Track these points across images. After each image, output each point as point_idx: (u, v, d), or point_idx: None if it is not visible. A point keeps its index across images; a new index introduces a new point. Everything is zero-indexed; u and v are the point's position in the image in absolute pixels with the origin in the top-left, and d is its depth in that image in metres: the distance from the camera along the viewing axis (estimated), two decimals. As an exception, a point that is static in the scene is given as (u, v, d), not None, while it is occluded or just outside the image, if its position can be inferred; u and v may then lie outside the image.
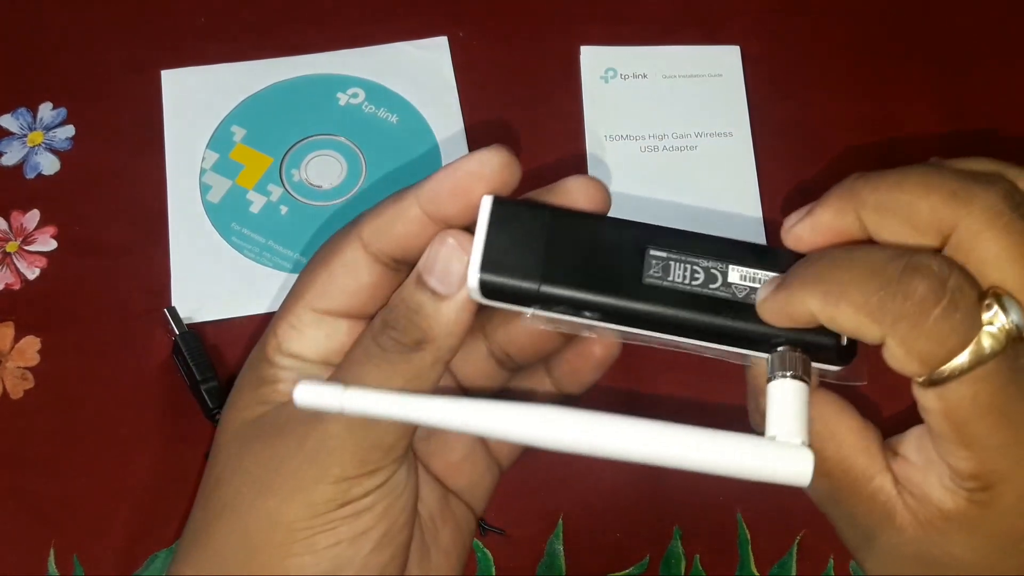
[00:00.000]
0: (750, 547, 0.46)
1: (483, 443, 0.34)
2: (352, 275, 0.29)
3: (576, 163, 0.54)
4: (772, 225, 0.53)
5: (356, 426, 0.27)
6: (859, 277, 0.25)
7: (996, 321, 0.25)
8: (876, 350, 0.26)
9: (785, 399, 0.27)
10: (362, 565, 0.28)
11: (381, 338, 0.28)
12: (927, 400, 0.26)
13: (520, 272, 0.28)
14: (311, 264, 0.30)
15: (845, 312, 0.25)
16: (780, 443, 0.27)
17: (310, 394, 0.27)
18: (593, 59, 0.57)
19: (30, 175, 0.54)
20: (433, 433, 0.32)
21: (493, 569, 0.45)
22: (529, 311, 0.28)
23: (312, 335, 0.29)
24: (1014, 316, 0.25)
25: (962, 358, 0.25)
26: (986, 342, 0.24)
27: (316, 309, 0.29)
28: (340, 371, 0.28)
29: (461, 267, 0.27)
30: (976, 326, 0.24)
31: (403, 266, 0.29)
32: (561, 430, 0.28)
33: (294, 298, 0.30)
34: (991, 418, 0.25)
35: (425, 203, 0.28)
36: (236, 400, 0.30)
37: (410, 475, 0.29)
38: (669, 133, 0.55)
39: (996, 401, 0.25)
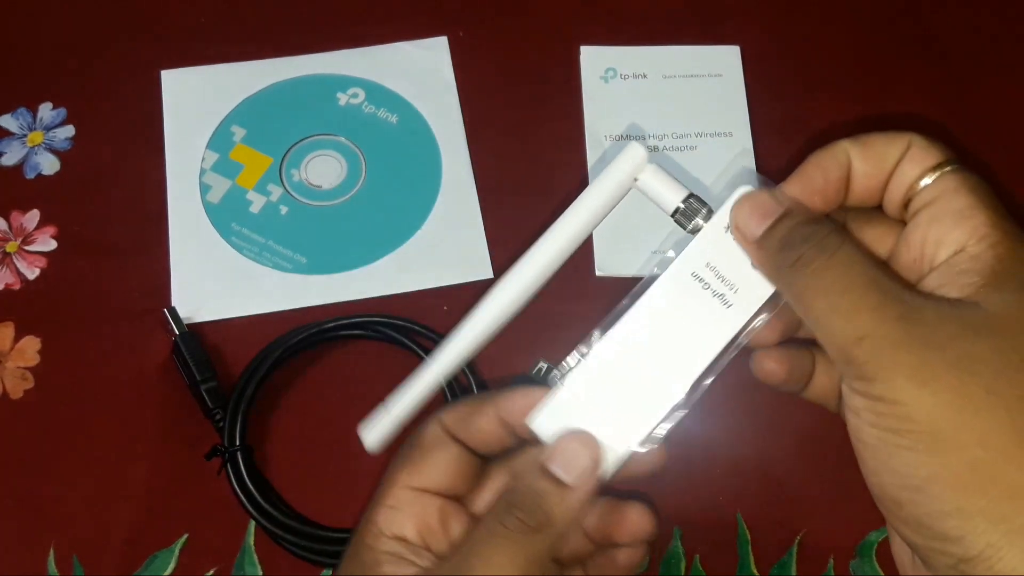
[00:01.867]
0: (750, 547, 0.46)
1: None
2: (443, 453, 0.33)
3: (576, 163, 0.54)
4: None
5: None
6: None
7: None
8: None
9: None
10: None
11: (507, 519, 0.30)
12: None
13: None
14: (401, 452, 0.34)
15: None
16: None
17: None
18: (593, 59, 0.57)
19: (30, 175, 0.54)
20: None
21: (493, 569, 0.46)
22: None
23: (410, 515, 0.33)
24: None
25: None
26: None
27: (412, 487, 0.33)
28: (462, 552, 0.31)
29: (587, 462, 0.32)
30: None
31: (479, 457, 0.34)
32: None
33: (389, 483, 0.33)
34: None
35: (502, 412, 0.34)
36: None
37: None
38: (669, 133, 0.55)
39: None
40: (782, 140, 0.55)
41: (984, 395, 0.27)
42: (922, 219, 0.32)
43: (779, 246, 0.31)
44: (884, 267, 0.31)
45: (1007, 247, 0.30)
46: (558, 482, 0.31)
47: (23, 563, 0.45)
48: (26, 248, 0.52)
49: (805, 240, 0.31)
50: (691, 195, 0.34)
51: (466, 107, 0.56)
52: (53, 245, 0.52)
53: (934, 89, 0.57)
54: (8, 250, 0.52)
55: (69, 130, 0.55)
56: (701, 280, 0.34)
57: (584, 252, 0.52)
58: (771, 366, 0.34)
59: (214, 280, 0.51)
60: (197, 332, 0.49)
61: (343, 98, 0.56)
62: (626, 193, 0.35)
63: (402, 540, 0.33)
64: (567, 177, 0.54)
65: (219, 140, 0.55)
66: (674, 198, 0.34)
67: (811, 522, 0.46)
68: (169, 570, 0.45)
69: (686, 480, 0.47)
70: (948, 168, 0.32)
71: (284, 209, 0.53)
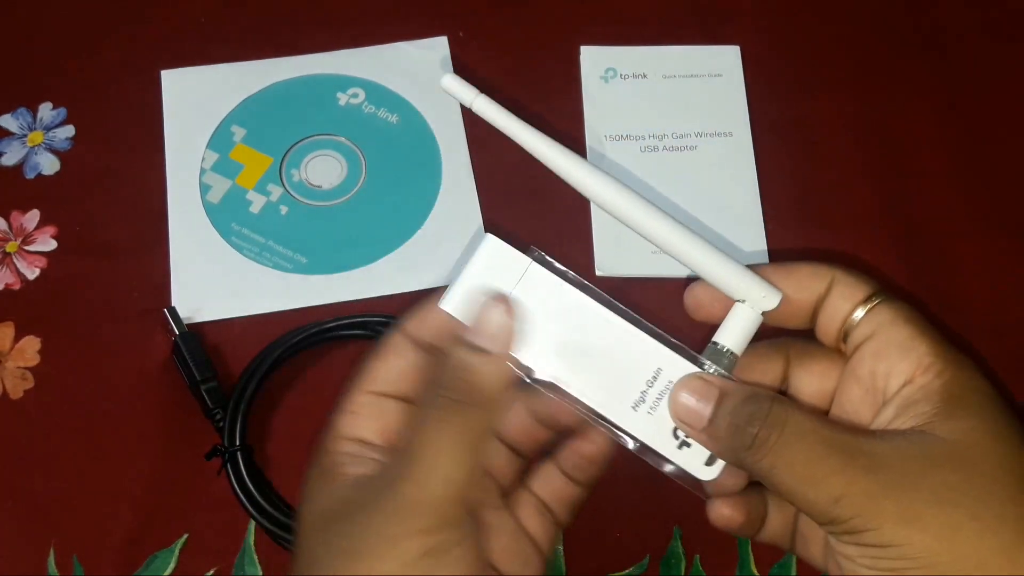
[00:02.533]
0: (750, 547, 0.46)
1: (528, 534, 0.36)
2: (400, 357, 0.34)
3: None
4: (771, 225, 0.53)
5: (426, 484, 0.30)
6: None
7: None
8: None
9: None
10: None
11: (436, 400, 0.31)
12: None
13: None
14: (362, 362, 0.34)
15: None
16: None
17: (453, 82, 0.35)
18: (593, 59, 0.57)
19: (30, 175, 0.54)
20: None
21: (493, 569, 0.46)
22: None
23: (369, 417, 0.33)
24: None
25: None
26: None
27: (371, 391, 0.34)
28: (406, 442, 0.31)
29: (500, 321, 0.32)
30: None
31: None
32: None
33: (351, 387, 0.34)
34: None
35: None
36: (307, 495, 0.33)
37: (474, 530, 0.32)
38: (669, 133, 0.55)
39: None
40: (782, 140, 0.55)
41: (968, 521, 0.29)
42: (866, 353, 0.33)
43: (729, 432, 0.32)
44: (832, 423, 0.32)
45: (952, 374, 0.32)
46: (476, 349, 0.31)
47: (23, 563, 0.45)
48: (26, 248, 0.52)
49: (751, 420, 0.31)
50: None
51: (466, 107, 0.56)
52: (53, 245, 0.52)
53: (934, 89, 0.57)
54: (8, 250, 0.52)
55: (69, 130, 0.55)
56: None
57: (584, 252, 0.52)
58: (728, 512, 0.35)
59: (214, 280, 0.51)
60: (197, 332, 0.49)
61: (343, 98, 0.56)
62: None
63: (362, 442, 0.33)
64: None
65: (219, 140, 0.55)
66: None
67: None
68: (169, 570, 0.45)
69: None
70: (878, 300, 0.33)
71: (284, 209, 0.53)
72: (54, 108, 0.56)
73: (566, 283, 0.33)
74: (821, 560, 0.35)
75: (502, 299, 0.32)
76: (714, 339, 0.34)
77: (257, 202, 0.53)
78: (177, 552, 0.45)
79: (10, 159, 0.55)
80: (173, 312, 0.49)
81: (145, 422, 0.48)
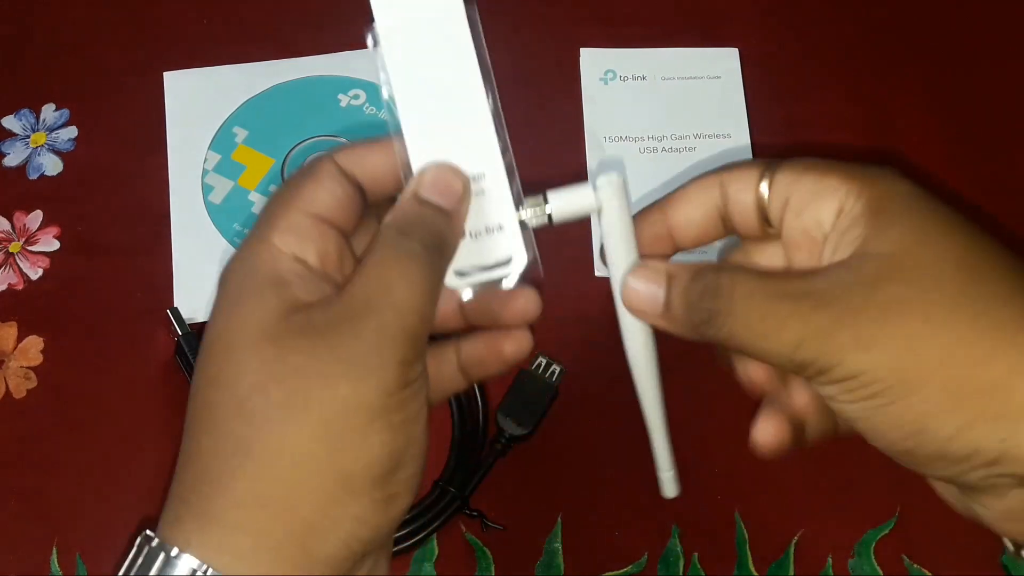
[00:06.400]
0: (748, 546, 0.46)
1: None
2: (338, 184, 0.32)
3: (576, 164, 0.55)
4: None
5: (406, 316, 0.29)
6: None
7: None
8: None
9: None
10: (420, 438, 0.30)
11: (407, 241, 0.30)
12: None
13: None
14: (290, 181, 0.32)
15: None
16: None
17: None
18: (593, 61, 0.58)
19: (33, 176, 0.54)
20: None
21: (492, 569, 0.46)
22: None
23: (308, 239, 0.31)
24: None
25: None
26: None
27: (310, 213, 0.31)
28: (373, 275, 0.30)
29: (459, 186, 0.32)
30: None
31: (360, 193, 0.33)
32: None
33: (283, 205, 0.31)
34: None
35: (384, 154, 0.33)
36: (242, 301, 0.30)
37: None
38: (668, 135, 0.55)
39: None
40: (780, 142, 0.55)
41: (921, 325, 0.28)
42: (789, 220, 0.33)
43: (685, 311, 0.32)
44: (777, 276, 0.32)
45: (871, 191, 0.31)
46: (439, 208, 0.32)
47: (26, 561, 0.45)
48: (29, 248, 0.52)
49: (703, 296, 0.31)
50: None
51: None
52: (56, 245, 0.52)
53: (932, 91, 0.57)
54: (11, 250, 0.52)
55: (72, 131, 0.56)
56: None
57: (584, 252, 0.52)
58: (770, 433, 0.36)
59: (216, 280, 0.51)
60: (200, 332, 0.49)
61: (344, 99, 0.57)
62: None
63: (303, 263, 0.31)
64: (567, 178, 0.54)
65: (221, 141, 0.55)
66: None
67: (809, 521, 0.46)
68: (171, 568, 0.45)
69: (684, 479, 0.47)
70: (772, 170, 0.33)
71: (286, 210, 0.53)
72: (57, 109, 0.56)
73: (471, 43, 0.33)
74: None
75: (451, 165, 0.32)
76: (547, 193, 0.33)
77: (259, 203, 0.54)
78: (179, 550, 0.45)
79: (13, 160, 0.55)
80: (176, 313, 0.49)
81: (148, 422, 0.48)
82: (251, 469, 0.28)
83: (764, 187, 0.33)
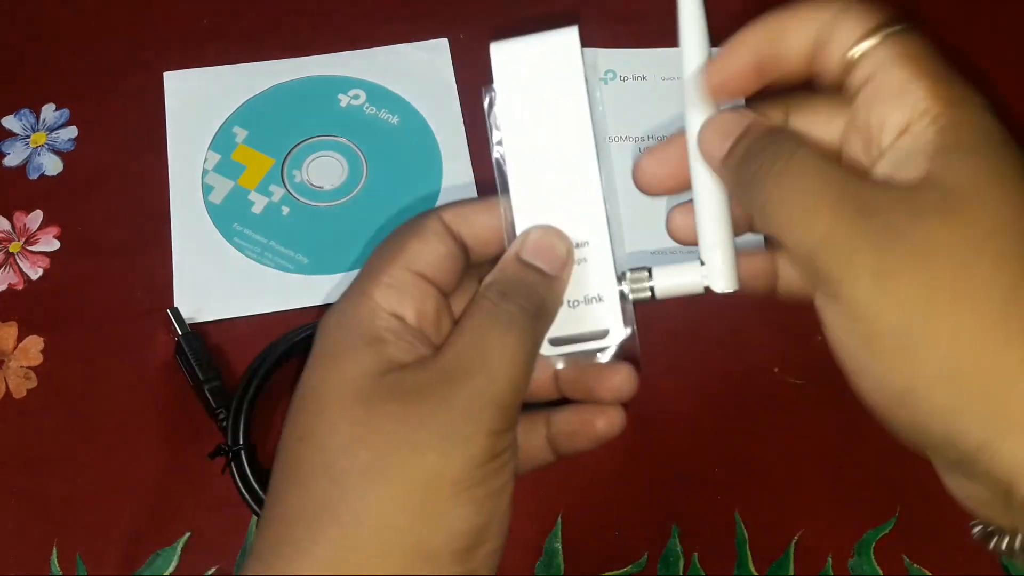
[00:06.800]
0: (748, 546, 0.46)
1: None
2: (442, 243, 0.32)
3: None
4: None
5: (500, 385, 0.29)
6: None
7: None
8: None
9: None
10: (504, 513, 0.30)
11: (507, 304, 0.30)
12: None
13: None
14: (394, 237, 0.32)
15: None
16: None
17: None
18: (593, 61, 0.57)
19: (33, 176, 0.54)
20: None
21: (493, 568, 0.46)
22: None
23: (408, 296, 0.31)
24: None
25: None
26: None
27: (412, 270, 0.31)
28: (469, 337, 0.30)
29: (563, 251, 0.32)
30: None
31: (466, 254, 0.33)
32: None
33: (387, 260, 0.31)
34: None
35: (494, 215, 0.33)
36: (339, 356, 0.30)
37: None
38: (668, 135, 0.55)
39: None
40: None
41: (949, 285, 0.26)
42: (862, 101, 0.30)
43: (739, 162, 0.30)
44: (839, 166, 0.29)
45: (949, 117, 0.28)
46: (541, 272, 0.31)
47: (26, 561, 0.45)
48: (29, 248, 0.52)
49: (763, 150, 0.29)
50: None
51: (466, 108, 0.56)
52: (56, 245, 0.53)
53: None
54: (11, 250, 0.52)
55: (72, 131, 0.56)
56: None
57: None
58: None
59: (216, 280, 0.51)
60: (200, 332, 0.49)
61: (344, 99, 0.57)
62: None
63: (401, 320, 0.30)
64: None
65: (221, 141, 0.55)
66: None
67: (809, 521, 0.46)
68: (171, 568, 0.45)
69: (684, 479, 0.48)
70: (884, 32, 0.29)
71: (286, 210, 0.53)
72: (57, 109, 0.56)
73: (588, 110, 0.33)
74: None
75: (555, 228, 0.32)
76: (652, 269, 0.32)
77: (259, 203, 0.54)
78: (179, 550, 0.45)
79: (13, 160, 0.55)
80: (176, 313, 0.49)
81: (148, 422, 0.48)
82: (333, 534, 0.28)
83: (861, 48, 0.29)
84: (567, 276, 0.32)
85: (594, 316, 0.32)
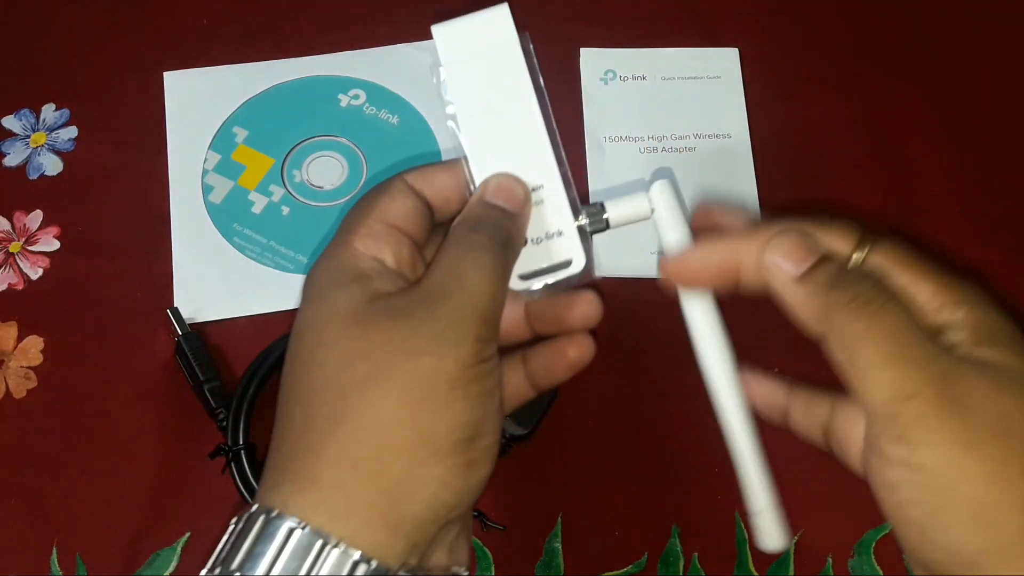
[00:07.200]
0: (748, 546, 0.46)
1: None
2: (409, 199, 0.34)
3: (575, 164, 0.55)
4: (770, 226, 0.53)
5: (479, 298, 0.31)
6: None
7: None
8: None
9: None
10: (496, 412, 0.32)
11: (477, 235, 0.33)
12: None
13: None
14: (366, 196, 0.35)
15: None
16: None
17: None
18: (592, 61, 0.58)
19: (33, 176, 0.54)
20: None
21: (492, 569, 0.46)
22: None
23: (385, 243, 0.33)
24: None
25: None
26: None
27: (385, 222, 0.34)
28: (446, 264, 0.32)
29: (521, 191, 0.34)
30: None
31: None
32: None
33: (361, 214, 0.34)
34: None
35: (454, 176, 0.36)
36: (329, 293, 0.32)
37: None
38: (668, 135, 0.55)
39: None
40: (780, 142, 0.55)
41: (1019, 458, 0.28)
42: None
43: (829, 284, 0.31)
44: (915, 328, 0.30)
45: (968, 306, 0.31)
46: (504, 210, 0.34)
47: (26, 561, 0.45)
48: (29, 248, 0.52)
49: (858, 283, 0.30)
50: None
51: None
52: (56, 245, 0.53)
53: (932, 90, 0.57)
54: (11, 250, 0.52)
55: (72, 131, 0.56)
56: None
57: (584, 253, 0.52)
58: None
59: (216, 280, 0.51)
60: (200, 332, 0.49)
61: (344, 99, 0.57)
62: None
63: (381, 262, 0.33)
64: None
65: (221, 141, 0.55)
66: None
67: (809, 521, 0.46)
68: (171, 568, 0.45)
69: (685, 479, 0.47)
70: (868, 245, 0.32)
71: (286, 210, 0.53)
72: (57, 109, 0.56)
73: (526, 71, 0.36)
74: (859, 467, 0.34)
75: (518, 179, 0.35)
76: (604, 202, 0.35)
77: (259, 203, 0.54)
78: (179, 550, 0.46)
79: (13, 160, 0.55)
80: (176, 313, 0.49)
81: (148, 422, 0.48)
82: (342, 434, 0.30)
83: (859, 256, 0.32)
84: (527, 213, 0.35)
85: (557, 249, 0.35)
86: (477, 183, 0.35)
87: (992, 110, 0.57)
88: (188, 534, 0.46)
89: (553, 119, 0.36)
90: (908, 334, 0.29)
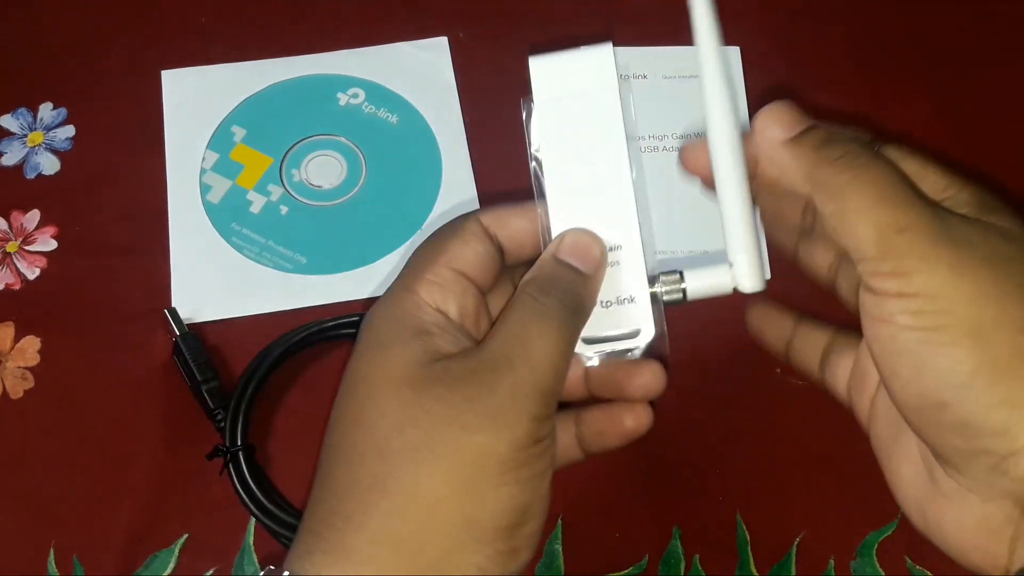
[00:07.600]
0: (749, 547, 0.46)
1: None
2: (480, 244, 0.34)
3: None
4: (772, 226, 0.53)
5: (541, 373, 0.30)
6: None
7: None
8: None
9: None
10: (545, 496, 0.31)
11: (547, 299, 0.31)
12: None
13: None
14: (434, 238, 0.34)
15: None
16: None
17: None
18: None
19: (30, 175, 0.54)
20: None
21: (493, 569, 0.46)
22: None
23: (451, 292, 0.33)
24: None
25: None
26: None
27: (453, 268, 0.33)
28: (511, 331, 0.31)
29: (598, 251, 0.33)
30: None
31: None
32: None
33: (429, 259, 0.33)
34: None
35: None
36: (388, 346, 0.31)
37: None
38: (669, 134, 0.55)
39: None
40: (782, 141, 0.55)
41: (1016, 287, 0.28)
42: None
43: (819, 143, 0.31)
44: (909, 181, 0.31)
45: (974, 187, 0.31)
46: (577, 271, 0.33)
47: (23, 562, 0.45)
48: (26, 248, 0.52)
49: (847, 143, 0.31)
50: None
51: (466, 107, 0.56)
52: (53, 245, 0.52)
53: (933, 89, 0.57)
54: (8, 250, 0.52)
55: (69, 130, 0.55)
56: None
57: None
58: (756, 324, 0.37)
59: (215, 280, 0.51)
60: (198, 332, 0.49)
61: (343, 98, 0.56)
62: None
63: (444, 315, 0.32)
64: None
65: (219, 140, 0.55)
66: None
67: (811, 522, 0.46)
68: (169, 570, 0.45)
69: (686, 480, 0.47)
70: (879, 145, 0.33)
71: (284, 209, 0.53)
72: (54, 108, 0.56)
73: (621, 120, 0.34)
74: (844, 393, 0.36)
75: (596, 236, 0.33)
76: (683, 272, 0.34)
77: (257, 202, 0.53)
78: (177, 552, 0.45)
79: (10, 159, 0.55)
80: (174, 313, 0.49)
81: (145, 422, 0.48)
82: (385, 507, 0.29)
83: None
84: (601, 276, 0.33)
85: (626, 316, 0.34)
86: (554, 233, 0.34)
87: (996, 109, 0.57)
88: (186, 535, 0.46)
89: (644, 174, 0.34)
90: (898, 182, 0.30)
